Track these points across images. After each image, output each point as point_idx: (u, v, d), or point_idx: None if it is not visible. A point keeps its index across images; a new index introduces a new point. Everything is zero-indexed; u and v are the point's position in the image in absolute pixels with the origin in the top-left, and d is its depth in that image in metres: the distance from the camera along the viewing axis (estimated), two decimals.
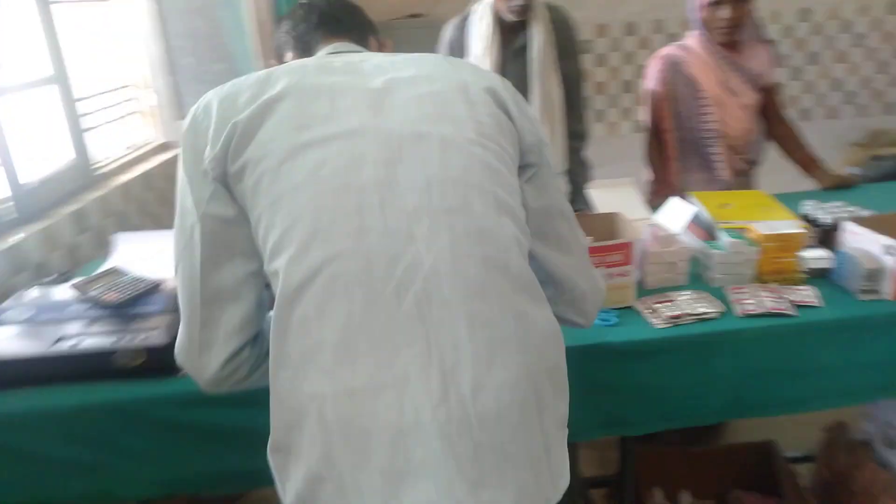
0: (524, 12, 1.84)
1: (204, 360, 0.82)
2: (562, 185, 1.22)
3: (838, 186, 1.95)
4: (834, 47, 3.50)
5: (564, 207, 0.93)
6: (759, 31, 1.95)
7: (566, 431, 0.83)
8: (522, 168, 0.88)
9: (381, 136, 0.80)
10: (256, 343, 0.85)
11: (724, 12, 1.81)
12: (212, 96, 0.84)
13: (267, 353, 0.80)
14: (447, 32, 2.01)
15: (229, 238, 0.81)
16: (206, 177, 0.80)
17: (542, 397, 0.77)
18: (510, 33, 1.91)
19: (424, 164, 0.78)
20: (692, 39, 1.95)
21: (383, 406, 0.71)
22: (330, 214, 0.75)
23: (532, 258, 0.87)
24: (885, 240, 1.30)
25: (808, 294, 1.32)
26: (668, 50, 1.99)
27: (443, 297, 0.74)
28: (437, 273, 0.74)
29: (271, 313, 0.79)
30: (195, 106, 0.84)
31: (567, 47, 1.93)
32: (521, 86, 1.88)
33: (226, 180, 0.81)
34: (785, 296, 1.32)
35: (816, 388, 1.30)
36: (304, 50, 1.00)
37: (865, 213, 1.56)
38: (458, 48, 1.96)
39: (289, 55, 1.03)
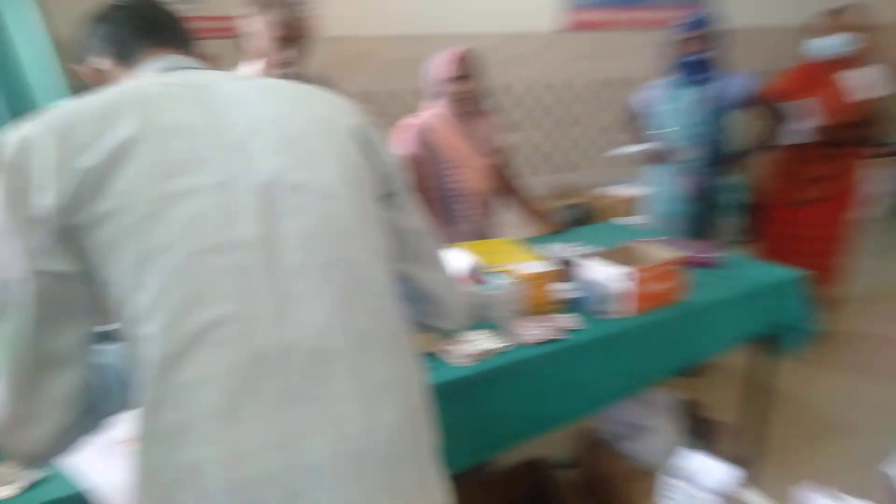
0: (295, 78, 1.88)
1: (28, 434, 0.70)
2: None
3: (558, 231, 2.35)
4: (532, 116, 4.21)
5: (425, 226, 0.97)
6: (488, 103, 2.27)
7: (438, 464, 0.86)
8: (387, 196, 0.89)
9: (253, 187, 0.75)
10: (89, 413, 0.75)
11: (461, 86, 2.09)
12: (40, 131, 0.70)
13: (98, 420, 0.73)
14: None
15: (66, 297, 0.71)
16: (38, 227, 0.68)
17: (421, 434, 0.81)
18: None
19: (301, 216, 0.76)
20: (432, 109, 2.18)
21: (275, 466, 0.69)
22: (209, 276, 0.70)
23: (408, 280, 0.91)
24: (618, 269, 1.62)
25: (571, 320, 1.57)
26: (410, 120, 2.20)
27: (332, 352, 0.73)
28: (325, 330, 0.74)
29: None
30: (7, 142, 0.71)
31: None
32: None
33: (70, 233, 0.69)
34: (555, 323, 1.54)
35: (589, 396, 1.54)
36: (124, 59, 0.89)
37: (595, 249, 1.90)
38: None
39: (103, 62, 0.90)
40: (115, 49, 0.89)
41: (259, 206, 0.74)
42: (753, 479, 2.08)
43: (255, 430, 0.69)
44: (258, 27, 1.84)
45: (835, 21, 2.83)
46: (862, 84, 2.81)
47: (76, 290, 0.71)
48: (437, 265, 0.96)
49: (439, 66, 2.12)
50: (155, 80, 0.82)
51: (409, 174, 2.21)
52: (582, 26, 4.18)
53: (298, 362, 0.72)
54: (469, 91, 2.10)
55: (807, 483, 1.27)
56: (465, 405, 1.35)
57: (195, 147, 0.74)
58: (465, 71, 2.09)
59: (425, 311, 0.95)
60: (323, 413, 0.71)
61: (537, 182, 4.38)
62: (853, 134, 2.83)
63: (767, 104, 2.69)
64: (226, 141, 0.76)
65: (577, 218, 3.83)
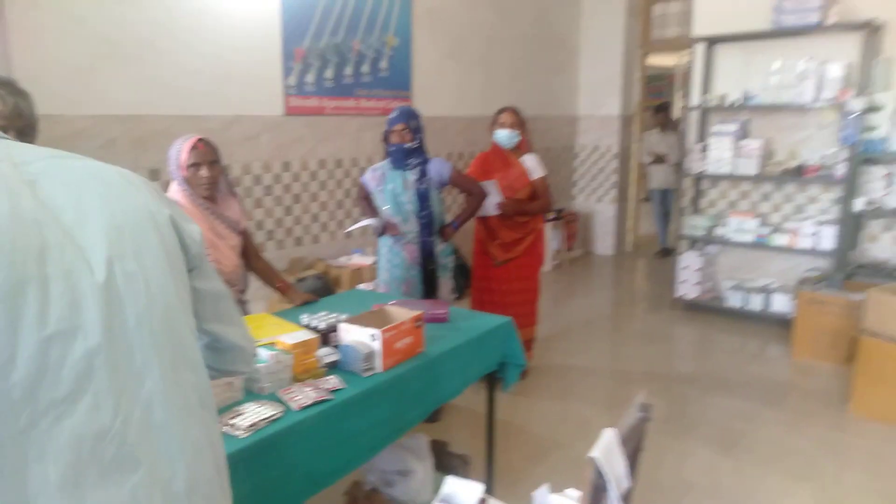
0: None
1: None
2: None
3: (305, 302, 2.52)
4: (252, 195, 4.31)
5: (223, 288, 1.08)
6: (227, 185, 2.37)
7: None
8: (194, 268, 0.98)
9: (92, 279, 0.78)
10: None
11: (203, 172, 2.17)
12: None
13: None
14: None
15: None
16: None
17: (225, 488, 0.95)
18: None
19: (135, 301, 0.82)
20: (178, 193, 2.21)
21: None
22: (57, 361, 0.73)
23: (214, 336, 1.04)
24: (371, 330, 1.85)
25: (334, 381, 1.75)
26: None
27: (159, 422, 0.82)
28: (152, 403, 0.81)
29: None
30: None
31: None
32: None
33: None
34: (320, 386, 1.70)
35: (358, 448, 1.72)
36: None
37: (343, 316, 2.11)
38: None
39: None
40: None
41: (100, 297, 0.78)
42: (494, 496, 2.45)
43: (96, 499, 0.73)
44: None
45: (500, 117, 3.58)
46: (528, 167, 3.58)
47: None
48: (237, 320, 1.11)
49: (178, 152, 2.18)
50: None
51: None
52: (304, 111, 4.50)
53: (134, 434, 0.78)
54: (208, 177, 2.19)
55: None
56: (246, 474, 1.42)
57: (38, 233, 0.75)
58: (202, 158, 2.18)
59: (229, 359, 1.10)
60: (154, 476, 0.79)
61: (281, 255, 4.49)
62: (529, 206, 3.57)
63: (460, 186, 3.24)
64: (60, 228, 0.77)
65: (319, 287, 4.03)
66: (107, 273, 0.79)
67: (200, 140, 2.19)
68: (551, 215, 6.43)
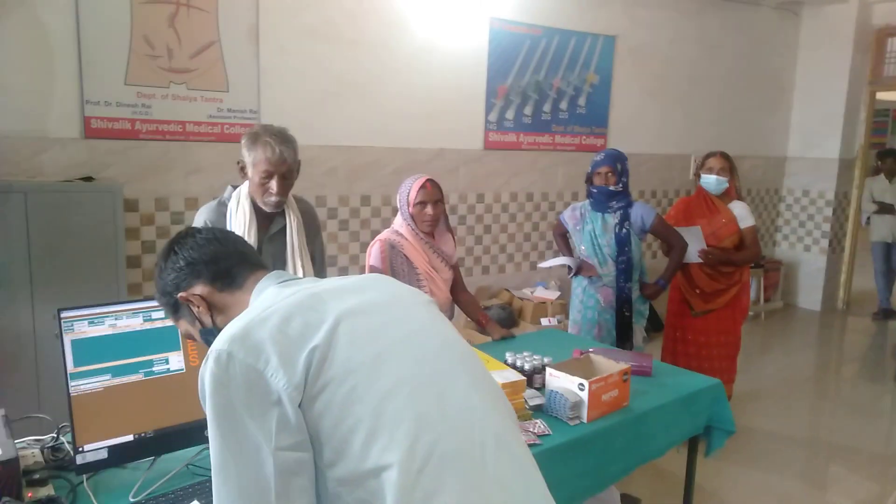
0: (280, 205, 2.05)
1: None
2: None
3: (504, 338, 2.58)
4: (465, 224, 4.55)
5: None
6: (447, 223, 2.53)
7: None
8: None
9: (418, 339, 1.01)
10: None
11: (429, 210, 2.34)
12: (259, 334, 0.91)
13: None
14: (202, 216, 2.06)
15: (300, 466, 0.86)
16: (275, 408, 0.86)
17: None
18: (265, 220, 2.10)
19: (454, 354, 1.04)
20: (403, 227, 2.40)
21: None
22: (423, 407, 0.91)
23: None
24: (576, 379, 1.85)
25: (541, 426, 1.77)
26: (386, 235, 2.40)
27: (505, 446, 0.95)
28: (497, 430, 0.96)
29: None
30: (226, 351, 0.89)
31: (312, 231, 2.20)
32: (280, 263, 2.06)
33: (303, 405, 0.87)
34: (529, 429, 1.73)
35: (562, 496, 1.71)
36: (230, 284, 1.07)
37: (547, 359, 2.13)
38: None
39: (198, 288, 1.08)
40: (219, 275, 1.08)
41: (427, 351, 1.01)
42: None
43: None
44: (248, 161, 2.00)
45: (708, 161, 3.39)
46: (736, 214, 3.36)
47: (303, 458, 0.87)
48: None
49: (408, 189, 2.36)
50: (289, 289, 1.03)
51: None
52: (502, 146, 4.64)
53: (491, 459, 0.91)
54: (432, 215, 2.34)
55: None
56: None
57: (373, 320, 0.99)
58: (429, 197, 2.34)
59: None
60: (517, 491, 0.94)
61: (468, 282, 4.67)
62: (735, 256, 3.34)
63: (661, 236, 3.13)
64: (382, 310, 1.03)
65: (504, 317, 4.11)
66: (426, 333, 1.06)
67: (429, 181, 2.36)
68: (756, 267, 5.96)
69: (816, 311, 6.51)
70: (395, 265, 2.36)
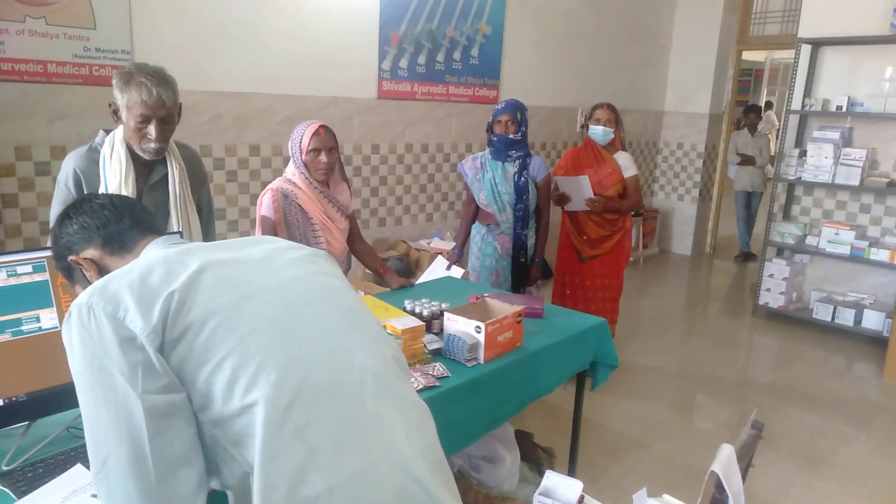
0: (161, 153, 1.91)
1: None
2: None
3: (402, 286, 2.60)
4: (361, 176, 4.45)
5: None
6: (342, 172, 2.47)
7: None
8: None
9: (293, 286, 1.00)
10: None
11: (323, 157, 2.27)
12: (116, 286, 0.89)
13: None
14: (71, 163, 1.87)
15: (171, 407, 0.85)
16: (136, 351, 0.84)
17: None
18: (144, 167, 1.95)
19: (334, 301, 1.05)
20: (296, 175, 2.32)
21: (381, 474, 0.87)
22: (292, 346, 0.92)
23: None
24: (473, 322, 1.91)
25: (440, 369, 1.81)
26: (278, 184, 2.32)
27: (386, 386, 0.97)
28: (376, 371, 0.97)
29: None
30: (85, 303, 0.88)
31: (198, 180, 2.06)
32: (163, 215, 1.92)
33: (164, 349, 0.84)
34: (428, 372, 1.77)
35: (459, 435, 1.79)
36: (120, 248, 1.06)
37: (444, 305, 2.18)
38: (92, 179, 1.88)
39: (88, 252, 1.08)
40: (109, 240, 1.08)
41: (306, 297, 1.01)
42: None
43: (358, 452, 0.87)
44: (121, 103, 1.84)
45: (595, 113, 3.54)
46: (621, 164, 3.55)
47: (174, 401, 0.85)
48: None
49: (300, 136, 2.28)
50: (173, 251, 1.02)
51: (267, 234, 2.31)
52: (396, 95, 4.58)
53: (369, 396, 0.93)
54: (327, 163, 2.28)
55: (615, 490, 1.64)
56: None
57: (245, 269, 1.00)
58: (323, 144, 2.27)
59: None
60: (397, 428, 0.93)
61: (365, 234, 4.63)
62: (619, 204, 3.54)
63: (539, 197, 3.18)
64: (258, 264, 1.03)
65: (401, 268, 4.14)
66: (305, 280, 1.06)
67: (322, 127, 2.28)
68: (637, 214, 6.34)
69: (687, 256, 7.07)
70: (289, 215, 2.29)
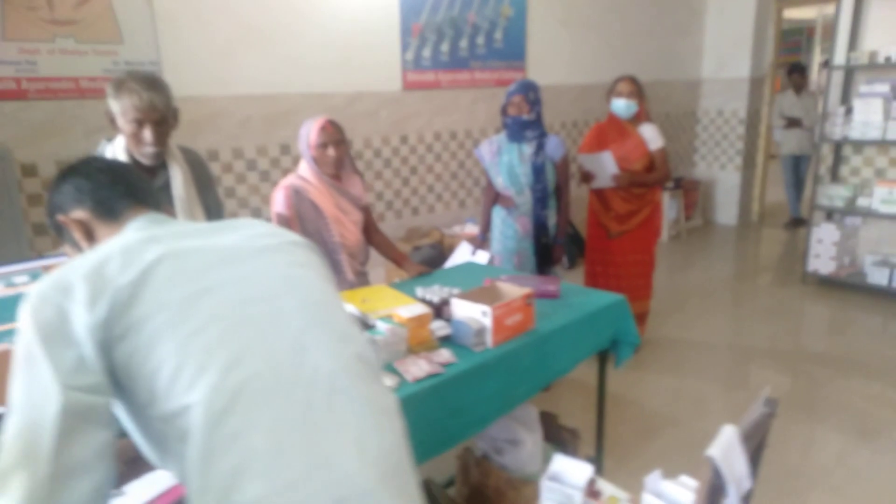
0: (159, 157, 1.98)
1: None
2: None
3: (420, 274, 2.63)
4: (372, 168, 4.50)
5: None
6: (352, 164, 2.52)
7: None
8: None
9: (259, 278, 0.98)
10: None
11: (331, 151, 2.32)
12: (69, 274, 0.89)
13: None
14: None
15: (90, 410, 0.82)
16: (73, 346, 0.83)
17: (406, 447, 1.01)
18: (147, 173, 2.01)
19: (297, 294, 1.01)
20: (307, 171, 2.38)
21: (320, 484, 0.83)
22: (239, 345, 0.89)
23: None
24: (482, 307, 1.92)
25: (446, 355, 1.84)
26: (290, 180, 2.38)
27: (341, 387, 0.92)
28: (332, 371, 0.93)
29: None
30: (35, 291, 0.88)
31: (203, 182, 2.13)
32: None
33: (105, 345, 0.84)
34: (433, 359, 1.80)
35: (468, 420, 1.81)
36: (107, 214, 1.06)
37: (456, 290, 2.20)
38: None
39: (77, 213, 1.07)
40: (98, 206, 1.07)
41: (267, 290, 0.98)
42: (603, 472, 2.48)
43: (297, 459, 0.84)
44: (116, 111, 1.91)
45: (617, 86, 3.46)
46: (646, 137, 3.46)
47: (97, 402, 0.83)
48: None
49: (308, 132, 2.34)
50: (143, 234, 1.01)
51: (292, 230, 2.38)
52: (421, 85, 4.59)
53: (319, 399, 0.89)
54: (335, 156, 2.33)
55: (644, 471, 1.63)
56: None
57: (207, 259, 0.97)
58: (329, 138, 2.32)
59: None
60: (344, 435, 0.89)
61: (399, 224, 4.69)
62: (645, 178, 3.46)
63: (559, 177, 3.11)
64: (224, 252, 1.00)
65: (434, 255, 4.17)
66: (272, 273, 1.03)
67: (329, 121, 2.33)
68: (669, 184, 6.17)
69: (733, 226, 6.84)
70: (302, 211, 2.35)
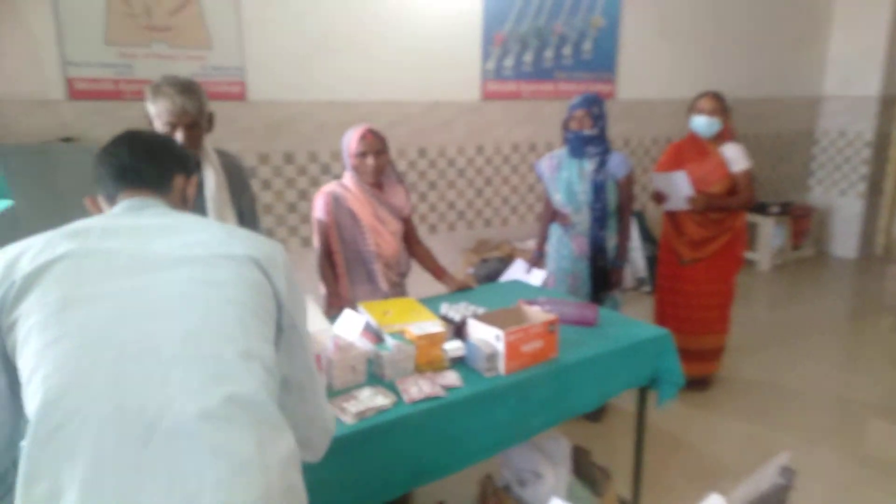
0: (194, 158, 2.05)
1: None
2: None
3: (461, 288, 2.55)
4: (445, 177, 4.47)
5: (310, 363, 1.12)
6: (395, 174, 2.49)
7: None
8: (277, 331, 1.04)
9: (151, 295, 0.93)
10: None
11: (370, 161, 2.30)
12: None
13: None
14: None
15: None
16: None
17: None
18: None
19: (185, 319, 0.91)
20: (348, 179, 2.39)
21: None
22: (84, 369, 0.84)
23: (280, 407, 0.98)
24: (495, 331, 1.82)
25: (452, 378, 1.75)
26: (331, 187, 2.39)
27: (189, 432, 0.82)
28: (185, 412, 0.83)
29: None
30: None
31: (238, 186, 2.18)
32: None
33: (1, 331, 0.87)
34: (437, 381, 1.72)
35: (468, 448, 1.71)
36: (109, 197, 1.10)
37: (481, 310, 2.11)
38: None
39: (100, 197, 1.12)
40: (102, 188, 1.12)
41: (147, 309, 0.91)
42: None
43: (114, 501, 0.77)
44: (152, 114, 1.98)
45: (698, 103, 3.20)
46: (728, 157, 3.18)
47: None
48: (307, 398, 1.14)
49: (349, 141, 2.34)
50: (104, 219, 1.04)
51: (322, 237, 2.39)
52: (501, 96, 4.51)
53: (158, 441, 0.81)
54: (374, 166, 2.31)
55: None
56: (349, 459, 1.49)
57: (109, 265, 0.94)
58: (369, 148, 2.31)
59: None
60: (173, 487, 0.79)
61: (471, 235, 4.63)
62: (725, 202, 3.17)
63: (622, 195, 2.92)
64: (136, 260, 0.96)
65: (502, 269, 4.07)
66: (163, 292, 0.96)
67: (369, 130, 2.32)
68: (775, 209, 5.68)
69: (852, 259, 6.17)
70: (339, 217, 2.35)
